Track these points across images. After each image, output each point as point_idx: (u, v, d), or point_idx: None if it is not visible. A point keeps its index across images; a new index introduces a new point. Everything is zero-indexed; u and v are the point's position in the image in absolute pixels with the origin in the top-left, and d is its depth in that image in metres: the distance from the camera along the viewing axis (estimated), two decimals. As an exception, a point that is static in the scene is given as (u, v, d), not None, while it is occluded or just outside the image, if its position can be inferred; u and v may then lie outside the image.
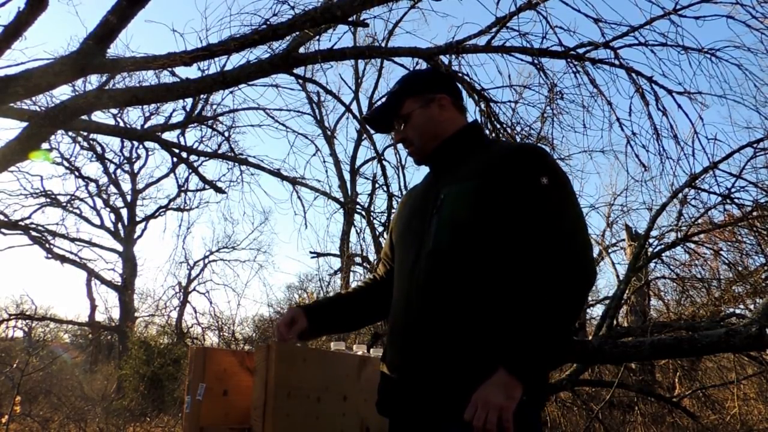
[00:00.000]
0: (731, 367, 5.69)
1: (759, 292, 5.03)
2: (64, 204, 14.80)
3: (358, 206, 10.29)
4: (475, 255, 1.37)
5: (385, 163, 7.47)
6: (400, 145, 1.80)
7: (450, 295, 1.37)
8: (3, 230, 12.60)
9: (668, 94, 4.01)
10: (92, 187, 15.85)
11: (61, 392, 8.42)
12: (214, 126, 8.05)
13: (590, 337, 4.17)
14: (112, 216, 16.65)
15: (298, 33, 3.94)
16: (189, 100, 7.19)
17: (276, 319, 9.62)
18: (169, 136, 8.10)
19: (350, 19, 3.79)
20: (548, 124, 4.58)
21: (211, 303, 19.02)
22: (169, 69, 4.99)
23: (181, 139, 8.36)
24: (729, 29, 3.90)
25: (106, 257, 17.59)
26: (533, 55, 4.03)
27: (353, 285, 2.36)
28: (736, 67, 3.84)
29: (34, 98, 6.20)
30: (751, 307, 5.14)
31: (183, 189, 15.80)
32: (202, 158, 10.12)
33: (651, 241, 4.44)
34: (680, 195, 4.13)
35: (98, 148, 15.22)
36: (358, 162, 14.09)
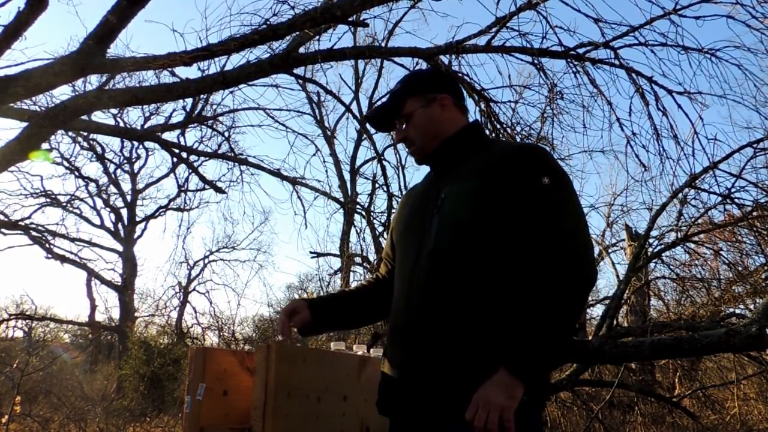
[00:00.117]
0: (731, 367, 5.69)
1: (759, 292, 5.03)
2: (64, 204, 14.81)
3: (358, 206, 10.29)
4: (476, 255, 1.37)
5: (385, 163, 7.47)
6: (400, 145, 1.80)
7: (451, 294, 1.37)
8: (3, 230, 12.60)
9: (668, 94, 4.02)
10: (92, 187, 15.88)
11: (61, 392, 8.41)
12: (214, 126, 8.06)
13: (590, 337, 4.16)
14: (112, 216, 16.67)
15: (298, 33, 3.94)
16: (189, 100, 7.19)
17: (276, 319, 9.62)
18: (169, 136, 8.11)
19: (350, 19, 3.80)
20: (548, 124, 4.58)
21: (211, 303, 19.04)
22: (169, 69, 4.99)
23: (181, 139, 8.37)
24: (729, 29, 3.90)
25: (106, 257, 17.62)
26: (533, 55, 4.03)
27: (353, 285, 2.35)
28: (736, 67, 3.85)
29: (34, 98, 6.20)
30: (751, 307, 5.14)
31: (183, 189, 15.81)
32: (202, 158, 10.13)
33: (651, 241, 4.44)
34: (680, 195, 4.13)
35: (98, 148, 15.25)
36: (358, 162, 14.10)
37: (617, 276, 7.97)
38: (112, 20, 3.40)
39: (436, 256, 1.41)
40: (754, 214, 4.15)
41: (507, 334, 1.29)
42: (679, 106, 4.04)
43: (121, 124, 10.46)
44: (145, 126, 11.96)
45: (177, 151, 7.19)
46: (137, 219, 16.86)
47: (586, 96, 4.14)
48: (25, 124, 3.79)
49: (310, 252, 11.42)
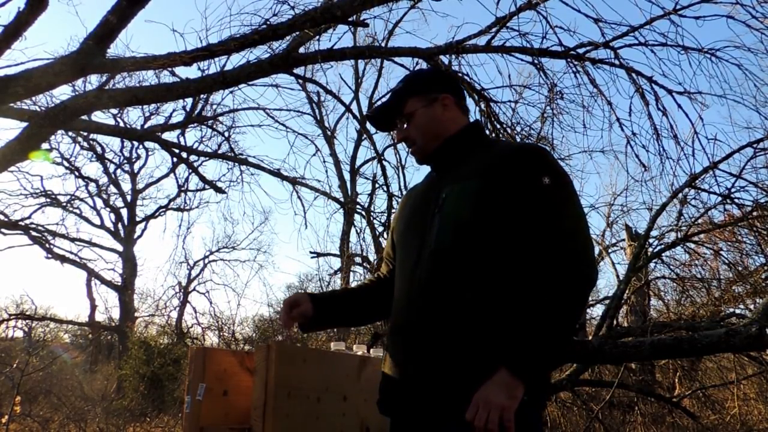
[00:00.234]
0: (731, 367, 5.69)
1: (759, 292, 5.03)
2: (64, 204, 14.80)
3: (358, 206, 10.29)
4: (477, 254, 1.37)
5: (385, 163, 7.48)
6: (400, 145, 1.80)
7: (451, 294, 1.37)
8: (3, 230, 12.60)
9: (668, 94, 4.02)
10: (92, 187, 15.87)
11: (61, 392, 8.42)
12: (214, 126, 8.06)
13: (590, 337, 4.17)
14: (112, 216, 16.67)
15: (298, 33, 3.93)
16: (189, 100, 7.19)
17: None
18: (169, 136, 8.10)
19: (350, 19, 3.79)
20: (548, 124, 4.59)
21: (211, 303, 19.04)
22: (169, 69, 5.00)
23: (181, 139, 8.37)
24: (729, 29, 3.91)
25: (106, 257, 17.62)
26: (533, 55, 4.03)
27: (353, 284, 2.35)
28: (736, 67, 3.85)
29: (34, 98, 6.21)
30: (751, 307, 5.15)
31: (183, 189, 15.81)
32: (202, 158, 10.14)
33: (651, 241, 4.44)
34: (680, 195, 4.14)
35: (98, 148, 15.24)
36: (358, 162, 14.10)
37: (617, 276, 7.98)
38: (112, 20, 3.40)
39: (437, 256, 1.41)
40: (754, 214, 4.16)
41: (507, 334, 1.29)
42: (679, 106, 4.05)
43: (121, 124, 10.47)
44: (145, 126, 11.97)
45: (177, 151, 7.19)
46: (137, 219, 16.87)
47: (586, 96, 4.15)
48: (25, 124, 3.79)
49: (310, 252, 11.44)
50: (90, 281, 16.47)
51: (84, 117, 5.19)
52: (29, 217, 13.70)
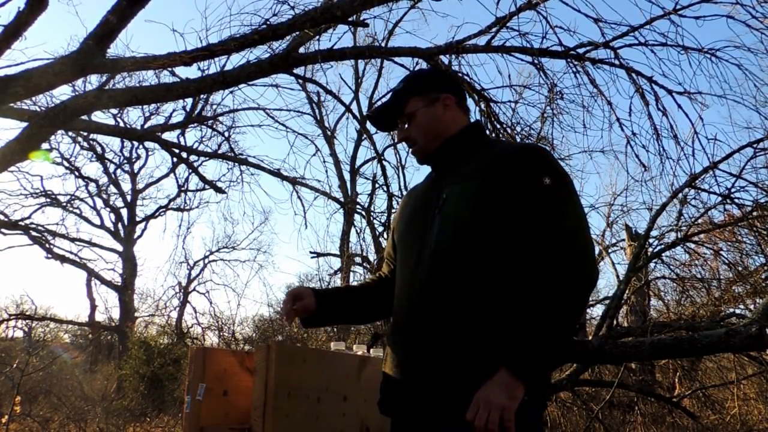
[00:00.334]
0: (731, 367, 5.69)
1: (759, 292, 5.03)
2: (64, 204, 14.80)
3: (358, 206, 10.30)
4: (477, 255, 1.37)
5: (385, 163, 7.46)
6: (400, 145, 1.80)
7: (452, 294, 1.37)
8: (3, 230, 12.60)
9: (668, 94, 4.02)
10: (92, 187, 15.87)
11: (61, 392, 8.42)
12: (214, 126, 8.06)
13: (590, 337, 4.17)
14: (112, 216, 16.67)
15: (298, 33, 3.93)
16: (189, 100, 7.19)
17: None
18: (169, 136, 8.09)
19: (350, 19, 3.79)
20: (548, 124, 4.59)
21: (211, 303, 18.99)
22: (169, 69, 5.00)
23: (181, 139, 8.36)
24: (729, 29, 3.90)
25: (106, 257, 17.59)
26: (533, 55, 4.03)
27: (355, 283, 2.34)
28: (736, 67, 3.85)
29: (34, 98, 6.20)
30: (751, 307, 5.15)
31: (183, 189, 15.81)
32: (202, 158, 10.13)
33: (651, 241, 4.44)
34: (680, 195, 4.14)
35: (98, 148, 15.24)
36: (358, 162, 14.12)
37: (617, 276, 7.98)
38: (112, 20, 3.40)
39: (438, 256, 1.41)
40: (754, 214, 4.16)
41: (508, 334, 1.29)
42: (679, 106, 4.05)
43: (121, 124, 10.46)
44: (145, 126, 11.96)
45: (177, 151, 7.19)
46: (137, 219, 16.87)
47: (586, 96, 4.14)
48: (25, 124, 3.79)
49: (310, 252, 11.45)
50: (90, 281, 16.48)
51: (84, 117, 5.19)
52: (29, 217, 13.72)
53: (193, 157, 8.57)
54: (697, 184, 4.01)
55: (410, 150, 1.63)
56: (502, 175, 1.39)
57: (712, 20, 3.75)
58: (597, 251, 8.60)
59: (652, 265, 5.55)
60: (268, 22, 3.65)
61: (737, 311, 5.41)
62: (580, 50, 3.99)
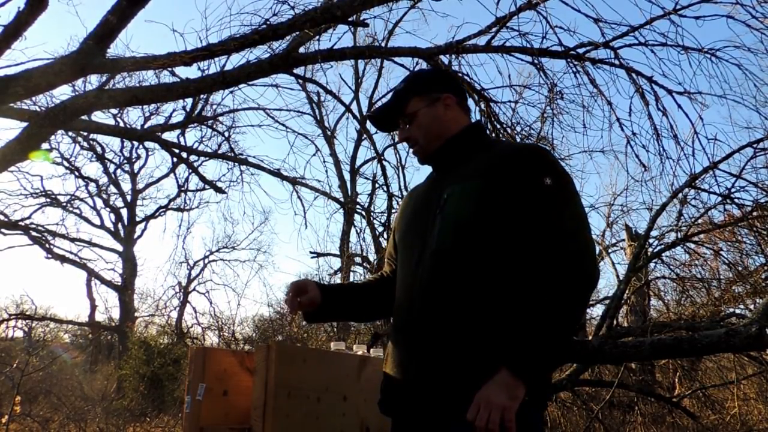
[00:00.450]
0: (731, 367, 5.69)
1: (759, 292, 5.03)
2: (64, 204, 14.81)
3: (358, 206, 10.30)
4: (478, 255, 1.37)
5: (385, 163, 7.48)
6: (400, 145, 1.80)
7: (453, 294, 1.37)
8: (3, 230, 12.60)
9: (668, 94, 4.02)
10: (92, 187, 15.88)
11: (61, 392, 8.41)
12: (214, 126, 8.06)
13: (590, 337, 4.17)
14: (112, 216, 16.67)
15: (298, 33, 3.93)
16: (189, 100, 7.19)
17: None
18: (169, 136, 8.10)
19: (350, 19, 3.79)
20: (548, 124, 4.59)
21: (211, 303, 19.00)
22: (169, 69, 5.00)
23: (181, 139, 8.37)
24: (729, 29, 3.91)
25: (106, 257, 17.58)
26: (533, 55, 4.03)
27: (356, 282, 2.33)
28: (736, 67, 3.85)
29: (34, 98, 6.20)
30: (751, 307, 5.15)
31: (183, 189, 15.82)
32: (202, 158, 10.14)
33: (651, 241, 4.44)
34: (680, 195, 4.14)
35: (98, 148, 15.25)
36: (358, 162, 14.11)
37: (617, 276, 7.98)
38: (112, 20, 3.40)
39: (439, 256, 1.41)
40: (754, 214, 4.16)
41: (509, 334, 1.29)
42: (679, 106, 4.05)
43: (121, 124, 10.47)
44: (145, 126, 11.96)
45: (177, 151, 7.19)
46: (137, 219, 16.87)
47: (586, 96, 4.15)
48: (25, 124, 3.79)
49: (310, 252, 11.45)
50: (90, 281, 16.49)
51: (84, 117, 5.19)
52: (29, 217, 13.74)
53: (193, 157, 8.58)
54: (697, 184, 4.01)
55: (411, 150, 1.62)
56: (502, 176, 1.39)
57: (712, 20, 3.75)
58: (597, 251, 8.60)
59: (652, 265, 5.55)
60: (268, 22, 3.65)
61: (737, 311, 5.42)
62: (580, 50, 4.00)
